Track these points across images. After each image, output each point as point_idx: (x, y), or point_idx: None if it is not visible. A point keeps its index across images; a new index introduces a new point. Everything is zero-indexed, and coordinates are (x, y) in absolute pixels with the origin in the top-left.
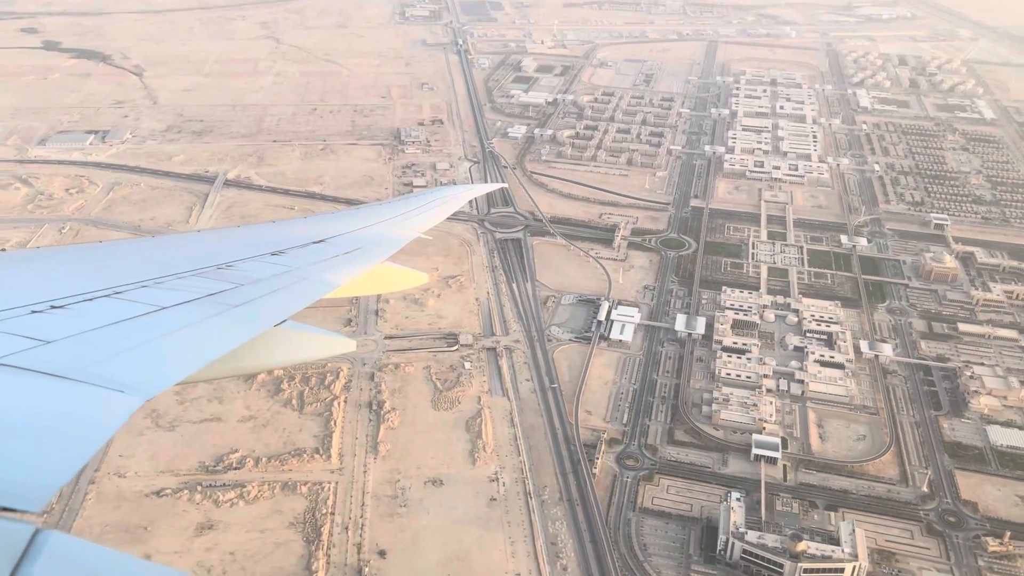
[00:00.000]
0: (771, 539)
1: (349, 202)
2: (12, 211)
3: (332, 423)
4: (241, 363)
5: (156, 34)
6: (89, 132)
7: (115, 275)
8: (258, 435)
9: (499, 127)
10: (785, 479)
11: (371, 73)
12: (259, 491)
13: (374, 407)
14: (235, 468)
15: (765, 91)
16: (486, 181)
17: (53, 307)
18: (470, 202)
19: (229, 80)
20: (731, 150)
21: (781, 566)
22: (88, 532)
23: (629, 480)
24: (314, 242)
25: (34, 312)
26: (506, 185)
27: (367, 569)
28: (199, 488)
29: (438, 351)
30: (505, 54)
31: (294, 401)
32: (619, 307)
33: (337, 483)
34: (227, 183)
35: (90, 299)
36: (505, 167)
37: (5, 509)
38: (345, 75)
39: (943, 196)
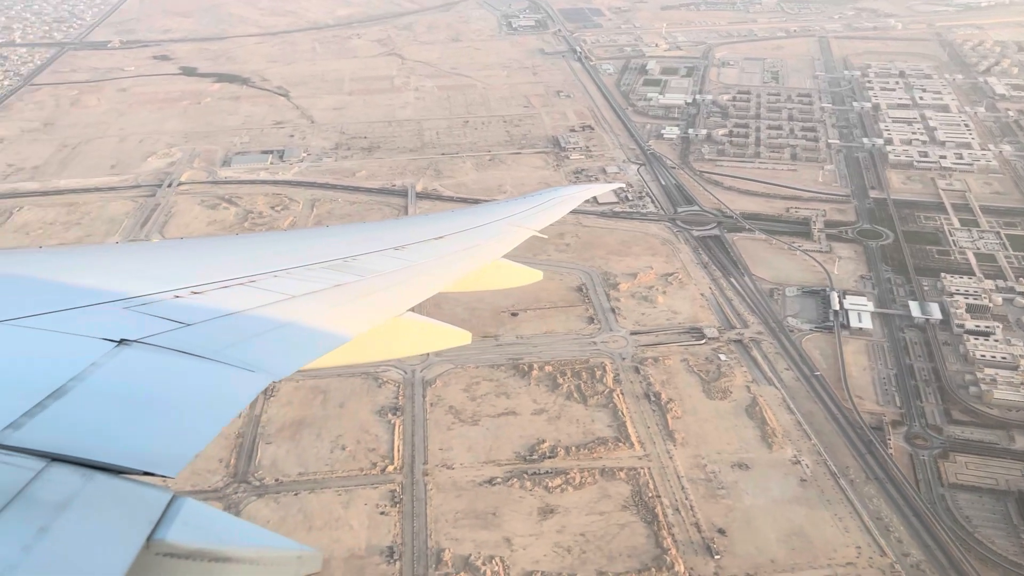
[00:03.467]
0: None
1: None
2: (231, 229)
3: (620, 413)
4: (364, 352)
5: (281, 56)
6: (265, 152)
7: (250, 265)
8: (556, 426)
9: (649, 129)
10: None
11: (503, 84)
12: (582, 477)
13: (652, 398)
14: (549, 457)
15: (898, 83)
16: (658, 181)
17: (193, 293)
18: (655, 202)
19: (372, 97)
20: (889, 141)
21: None
22: (444, 519)
23: (926, 458)
24: (434, 238)
25: (177, 297)
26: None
27: (714, 546)
28: (526, 476)
29: (688, 344)
30: (624, 59)
31: (575, 394)
32: (847, 297)
33: (649, 468)
34: (417, 195)
35: (226, 287)
36: (673, 167)
37: (147, 474)
38: (480, 87)
39: None
